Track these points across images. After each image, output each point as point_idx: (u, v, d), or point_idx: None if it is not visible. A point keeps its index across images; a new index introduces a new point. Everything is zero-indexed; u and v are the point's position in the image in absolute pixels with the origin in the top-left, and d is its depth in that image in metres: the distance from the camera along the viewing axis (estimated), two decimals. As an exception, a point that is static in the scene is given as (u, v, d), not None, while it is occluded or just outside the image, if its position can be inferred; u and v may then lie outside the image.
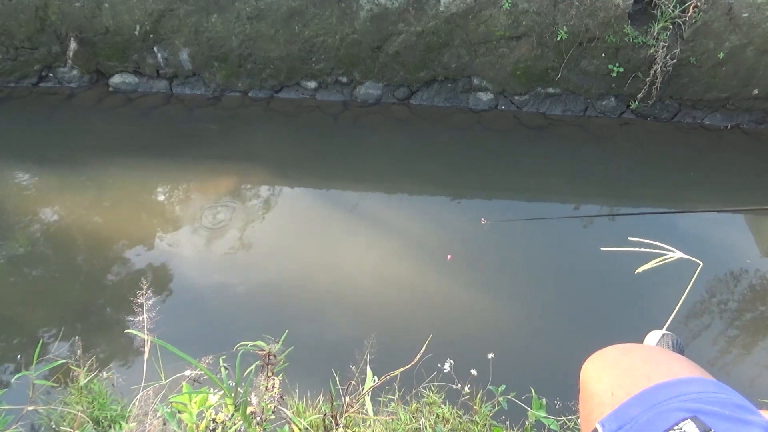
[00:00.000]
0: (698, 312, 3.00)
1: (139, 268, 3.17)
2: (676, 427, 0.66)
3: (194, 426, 1.26)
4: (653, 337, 2.18)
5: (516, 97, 4.44)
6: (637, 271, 1.68)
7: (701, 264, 1.62)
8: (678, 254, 1.57)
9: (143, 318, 1.44)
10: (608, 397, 0.81)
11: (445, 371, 1.90)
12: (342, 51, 4.28)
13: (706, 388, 0.74)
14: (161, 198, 3.72)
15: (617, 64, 4.10)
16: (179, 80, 4.60)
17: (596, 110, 4.44)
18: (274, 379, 1.34)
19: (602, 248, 1.75)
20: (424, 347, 1.58)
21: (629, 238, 1.65)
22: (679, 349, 2.13)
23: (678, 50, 3.93)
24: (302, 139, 4.25)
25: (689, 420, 0.66)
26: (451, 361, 1.90)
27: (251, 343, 1.36)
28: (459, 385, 1.91)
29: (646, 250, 1.63)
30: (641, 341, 2.22)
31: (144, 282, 1.58)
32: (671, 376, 0.78)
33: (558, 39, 3.99)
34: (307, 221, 3.54)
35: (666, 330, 2.16)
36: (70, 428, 1.66)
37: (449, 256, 3.14)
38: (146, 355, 1.37)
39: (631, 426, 0.72)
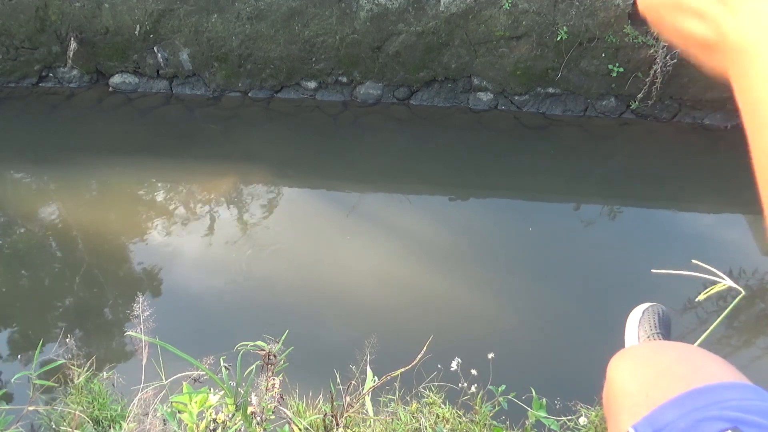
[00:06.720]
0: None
1: (139, 268, 3.17)
2: None
3: (194, 426, 1.26)
4: (637, 311, 2.08)
5: (516, 97, 4.44)
6: (697, 299, 1.61)
7: (743, 293, 1.52)
8: (728, 282, 1.47)
9: (142, 319, 1.44)
10: (643, 397, 0.77)
11: (452, 369, 1.89)
12: (342, 51, 4.27)
13: (746, 395, 0.70)
14: (161, 198, 3.72)
15: (617, 64, 4.09)
16: (179, 80, 4.60)
17: (596, 110, 4.43)
18: (274, 379, 1.34)
19: (652, 270, 1.68)
20: (425, 347, 1.58)
21: (692, 261, 1.55)
22: (666, 319, 2.02)
23: (678, 50, 3.93)
24: (302, 139, 4.25)
25: (729, 431, 0.63)
26: (459, 359, 1.89)
27: (251, 343, 1.36)
28: (465, 384, 1.91)
29: (684, 273, 1.53)
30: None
31: (145, 283, 1.58)
32: (710, 380, 0.74)
33: (558, 39, 3.99)
34: (307, 221, 3.54)
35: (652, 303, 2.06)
36: (70, 428, 1.66)
37: None
38: (144, 360, 1.37)
39: None
